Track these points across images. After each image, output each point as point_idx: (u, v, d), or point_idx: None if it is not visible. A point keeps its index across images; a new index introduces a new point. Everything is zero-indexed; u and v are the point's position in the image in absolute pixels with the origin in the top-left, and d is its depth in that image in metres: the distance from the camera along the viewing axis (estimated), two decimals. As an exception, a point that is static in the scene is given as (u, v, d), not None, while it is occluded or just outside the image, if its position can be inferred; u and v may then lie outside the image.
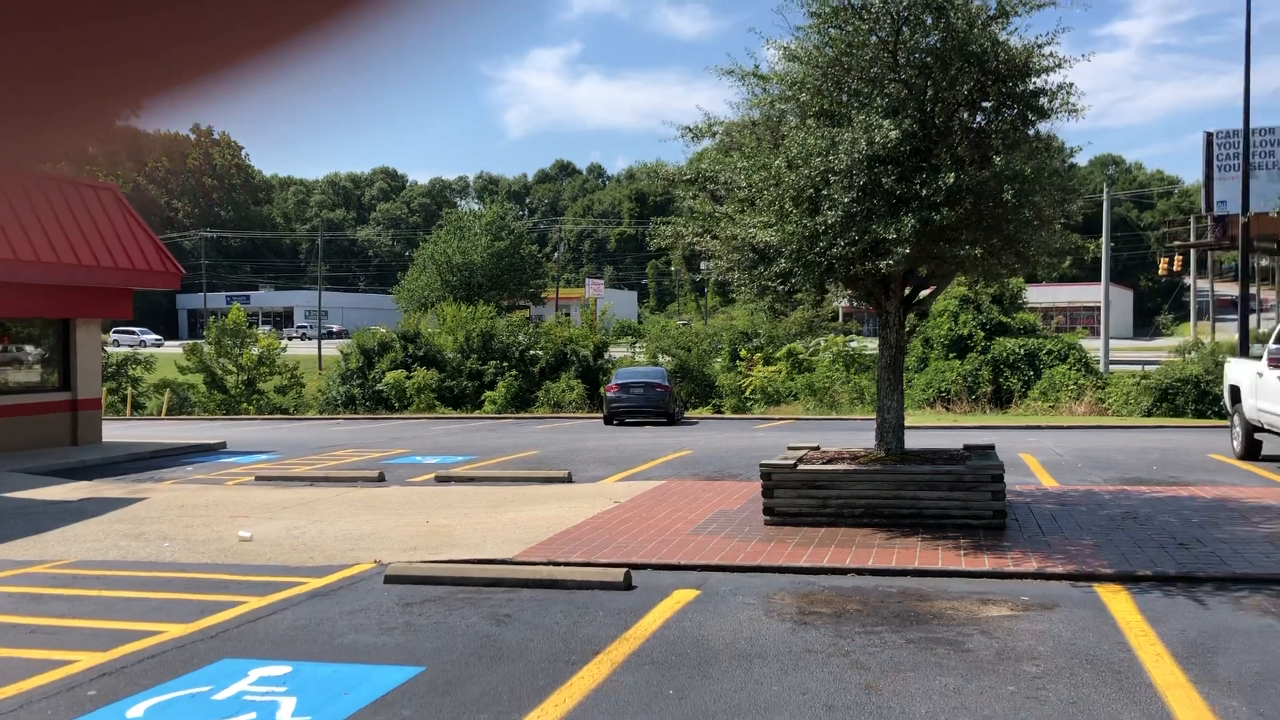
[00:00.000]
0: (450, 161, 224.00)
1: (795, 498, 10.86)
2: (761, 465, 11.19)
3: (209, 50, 1.03)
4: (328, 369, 47.75)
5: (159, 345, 69.92)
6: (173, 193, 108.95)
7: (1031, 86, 10.20)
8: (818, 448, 12.71)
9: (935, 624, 7.17)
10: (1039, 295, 56.23)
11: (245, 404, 39.94)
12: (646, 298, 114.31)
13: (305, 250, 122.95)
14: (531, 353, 39.79)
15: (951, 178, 9.38)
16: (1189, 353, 33.77)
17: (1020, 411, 31.61)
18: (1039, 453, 18.51)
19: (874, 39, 10.03)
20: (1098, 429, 25.19)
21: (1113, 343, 45.10)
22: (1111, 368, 38.69)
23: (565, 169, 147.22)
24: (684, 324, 51.81)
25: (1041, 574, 8.56)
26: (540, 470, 16.55)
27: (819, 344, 39.81)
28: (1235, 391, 17.08)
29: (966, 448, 12.22)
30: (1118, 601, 7.72)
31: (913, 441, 12.35)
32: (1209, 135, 39.37)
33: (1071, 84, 10.20)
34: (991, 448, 12.26)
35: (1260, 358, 16.28)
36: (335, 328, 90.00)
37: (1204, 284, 68.10)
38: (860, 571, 8.77)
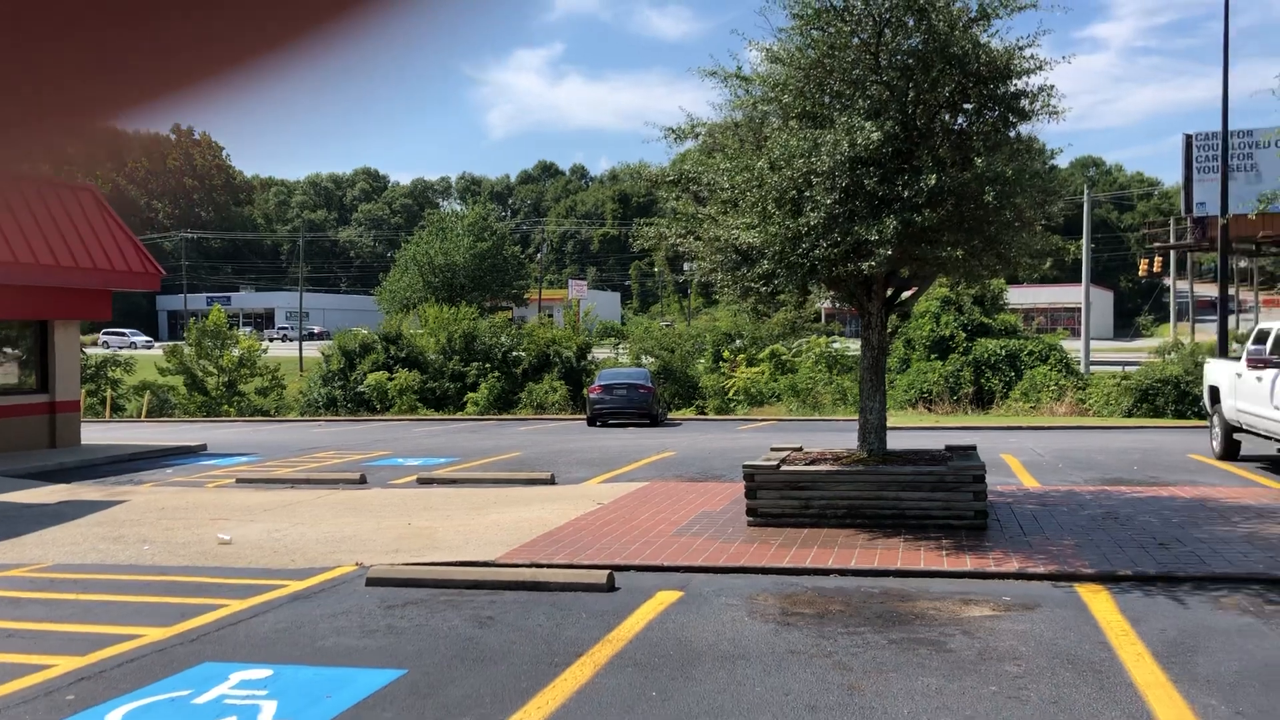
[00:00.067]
0: (432, 162, 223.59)
1: (778, 499, 10.87)
2: (744, 466, 11.20)
3: (195, 57, 1.02)
4: (309, 371, 47.55)
5: (149, 347, 69.54)
6: (153, 193, 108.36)
7: (1012, 88, 10.25)
8: (800, 449, 12.73)
9: (917, 624, 7.19)
10: (1020, 296, 56.50)
11: (226, 406, 39.74)
12: (630, 299, 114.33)
13: (286, 251, 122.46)
14: (514, 354, 39.72)
15: (933, 179, 9.42)
16: (1169, 354, 33.98)
17: (1002, 412, 31.75)
18: (1020, 453, 18.59)
19: (856, 41, 10.06)
20: (1078, 429, 25.32)
21: (1093, 344, 45.36)
22: (1092, 368, 38.91)
23: (548, 170, 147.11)
24: (667, 325, 51.84)
25: (1023, 574, 8.59)
26: (523, 472, 16.52)
27: (802, 345, 39.89)
28: (1215, 392, 17.20)
29: (948, 448, 12.26)
30: (1099, 601, 7.75)
31: (895, 442, 12.39)
32: (1188, 138, 39.65)
33: (1052, 86, 10.26)
34: (973, 448, 12.30)
35: (1239, 358, 16.40)
36: (316, 329, 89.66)
37: (1183, 285, 68.63)
38: (843, 572, 8.78)
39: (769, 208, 9.91)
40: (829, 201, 9.54)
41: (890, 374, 33.71)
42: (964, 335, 35.76)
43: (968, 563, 8.94)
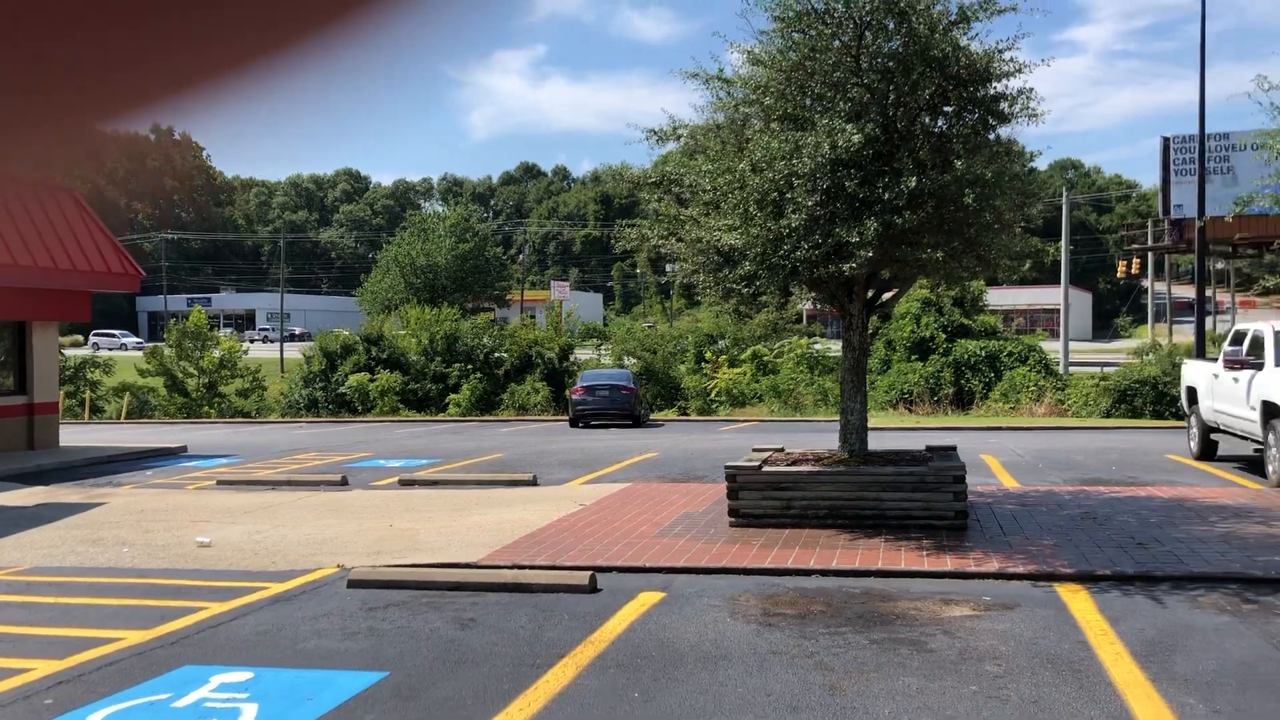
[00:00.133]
0: (414, 163, 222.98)
1: (760, 499, 10.90)
2: (727, 467, 11.22)
3: (184, 61, 1.03)
4: (290, 372, 47.38)
5: (139, 348, 69.19)
6: (133, 194, 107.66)
7: (992, 91, 10.31)
8: (782, 449, 12.76)
9: (898, 624, 7.23)
10: (999, 298, 56.80)
11: (206, 407, 39.53)
12: (612, 300, 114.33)
13: (267, 252, 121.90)
14: (496, 355, 39.66)
15: (913, 182, 9.46)
16: (1147, 354, 34.23)
17: (981, 413, 31.89)
18: (1000, 453, 18.69)
19: (837, 43, 10.10)
20: (1058, 430, 25.47)
21: (1072, 344, 45.62)
22: (1071, 369, 39.14)
23: (530, 171, 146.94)
24: (649, 326, 51.89)
25: (1003, 574, 8.64)
26: (505, 473, 16.51)
27: (783, 346, 39.98)
28: (1192, 393, 17.33)
29: (929, 449, 12.32)
30: (1078, 601, 7.81)
31: (876, 443, 12.44)
32: (1166, 140, 39.95)
33: (1031, 89, 10.33)
34: (953, 449, 12.36)
35: (1216, 359, 16.53)
36: (298, 330, 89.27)
37: (1161, 286, 69.08)
38: (824, 573, 8.82)
39: (751, 209, 9.94)
40: (810, 203, 9.58)
41: (871, 375, 33.82)
42: (944, 336, 35.92)
43: (948, 563, 8.99)
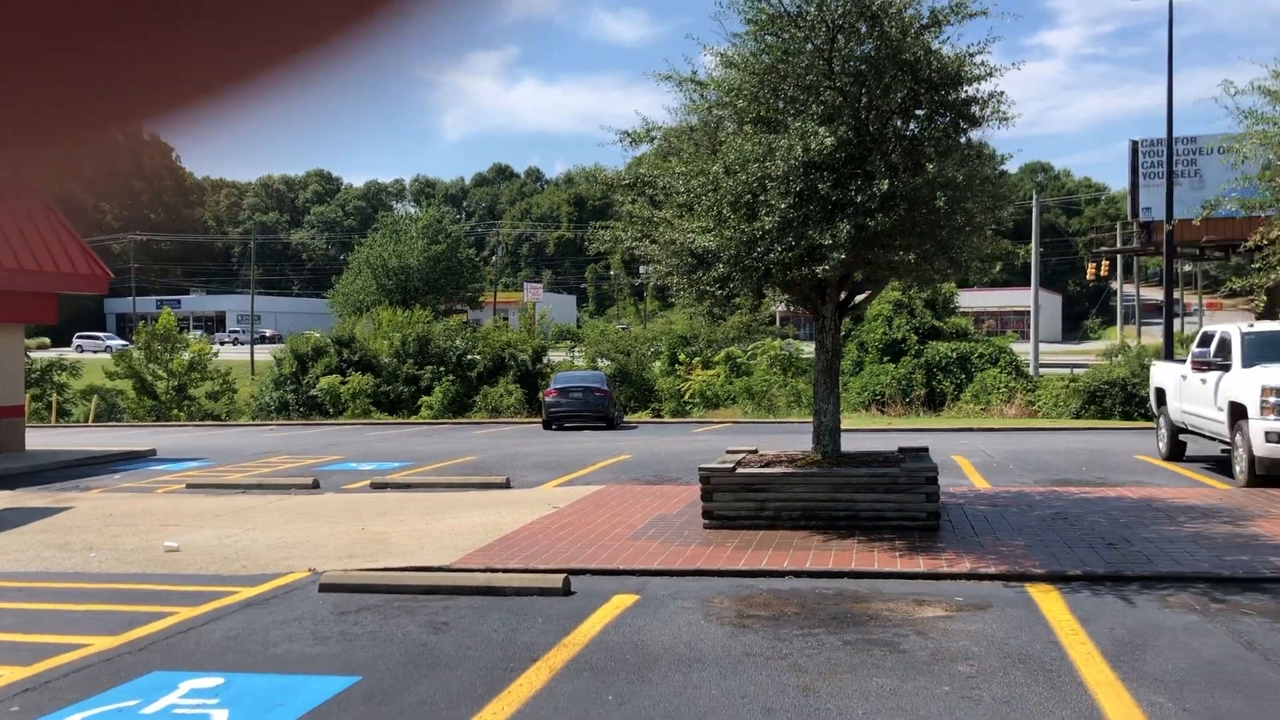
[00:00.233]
0: (386, 164, 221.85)
1: (734, 501, 10.91)
2: (700, 469, 11.23)
3: (172, 74, 1.02)
4: (261, 374, 47.03)
5: (123, 350, 68.58)
6: (100, 195, 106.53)
7: (963, 95, 10.37)
8: (756, 451, 12.78)
9: (872, 625, 7.25)
10: (970, 300, 57.17)
11: (176, 410, 39.19)
12: (585, 302, 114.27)
13: (238, 253, 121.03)
14: (469, 357, 39.53)
15: (886, 184, 9.50)
16: (1116, 356, 34.55)
17: (953, 414, 32.09)
18: (971, 454, 18.80)
19: (809, 46, 10.13)
20: (1028, 431, 25.65)
21: (1042, 346, 45.98)
22: (1041, 371, 39.44)
23: (503, 172, 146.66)
24: (623, 328, 51.92)
25: (975, 574, 8.69)
26: (478, 476, 16.45)
27: (757, 348, 40.08)
28: (1161, 394, 17.50)
29: (901, 450, 12.37)
30: (1049, 601, 7.86)
31: (849, 444, 12.48)
32: (1134, 144, 40.33)
33: (1002, 92, 10.39)
34: (925, 450, 12.43)
35: (1185, 361, 16.70)
36: (268, 332, 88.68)
37: (1130, 289, 69.81)
38: (798, 574, 8.83)
39: (724, 212, 9.95)
40: (783, 206, 9.60)
41: (844, 376, 33.96)
42: (916, 338, 36.12)
43: (921, 564, 9.03)
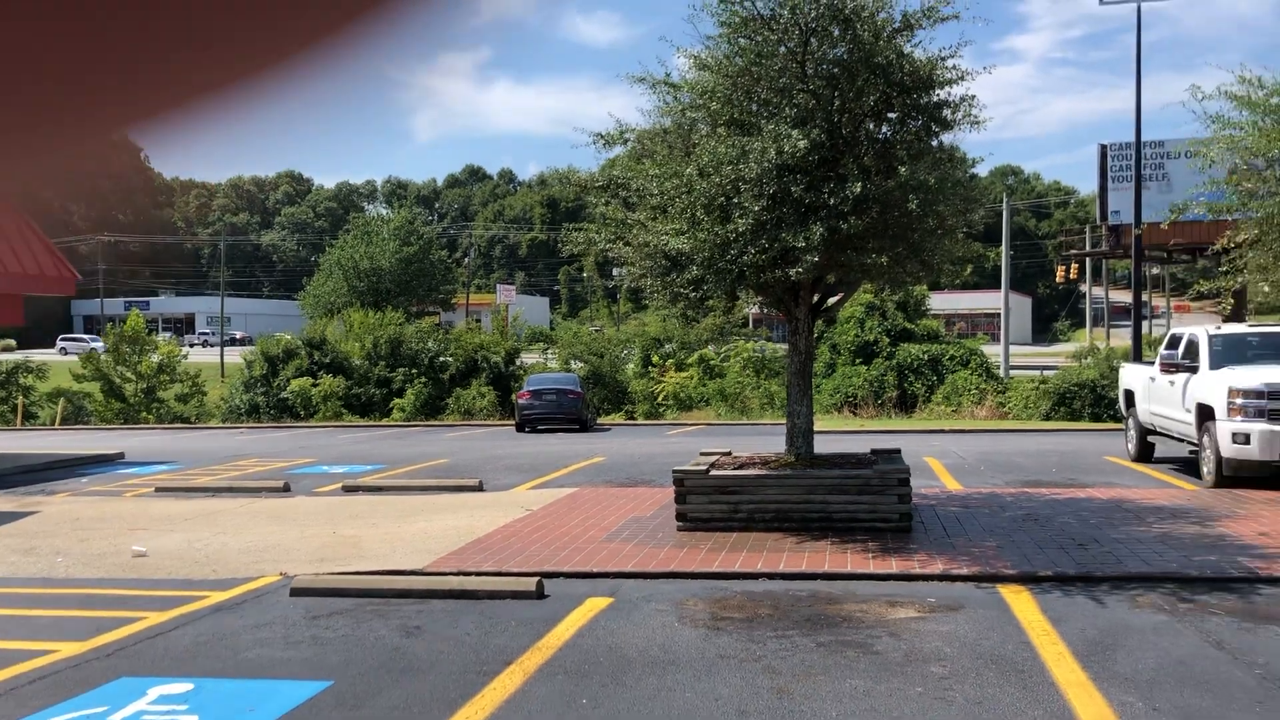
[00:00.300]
0: (357, 165, 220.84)
1: (707, 503, 10.91)
2: (674, 471, 11.23)
3: (154, 78, 1.01)
4: (231, 377, 46.67)
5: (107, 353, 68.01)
6: (68, 195, 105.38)
7: (935, 98, 10.42)
8: (729, 453, 12.80)
9: (845, 627, 7.27)
10: (941, 302, 57.53)
11: (145, 413, 38.81)
12: (558, 303, 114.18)
13: (207, 255, 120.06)
14: (441, 359, 39.39)
15: (858, 187, 9.54)
16: (1085, 358, 34.85)
17: (924, 415, 32.27)
18: (943, 456, 18.90)
19: (783, 49, 10.16)
20: (999, 432, 25.82)
21: (1012, 348, 46.33)
22: (1011, 373, 39.74)
23: (475, 174, 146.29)
24: (596, 330, 51.87)
25: (947, 576, 8.73)
26: (451, 479, 16.38)
27: (730, 350, 40.16)
28: (1129, 396, 17.65)
29: (874, 452, 12.42)
30: (1020, 602, 7.91)
31: (822, 446, 12.51)
32: (1103, 148, 40.69)
33: (973, 96, 10.45)
34: (898, 451, 12.48)
35: (1153, 363, 16.86)
36: (239, 334, 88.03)
37: (1099, 291, 70.47)
38: (771, 576, 8.84)
39: (698, 214, 9.96)
40: (757, 208, 9.62)
41: (816, 378, 34.07)
42: (887, 340, 36.31)
43: (893, 565, 9.06)
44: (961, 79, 10.30)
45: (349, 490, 15.48)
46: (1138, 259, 28.22)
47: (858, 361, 36.28)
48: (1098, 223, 44.86)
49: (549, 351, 46.92)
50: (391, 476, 17.20)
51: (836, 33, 10.14)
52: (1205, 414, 13.86)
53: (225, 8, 1.00)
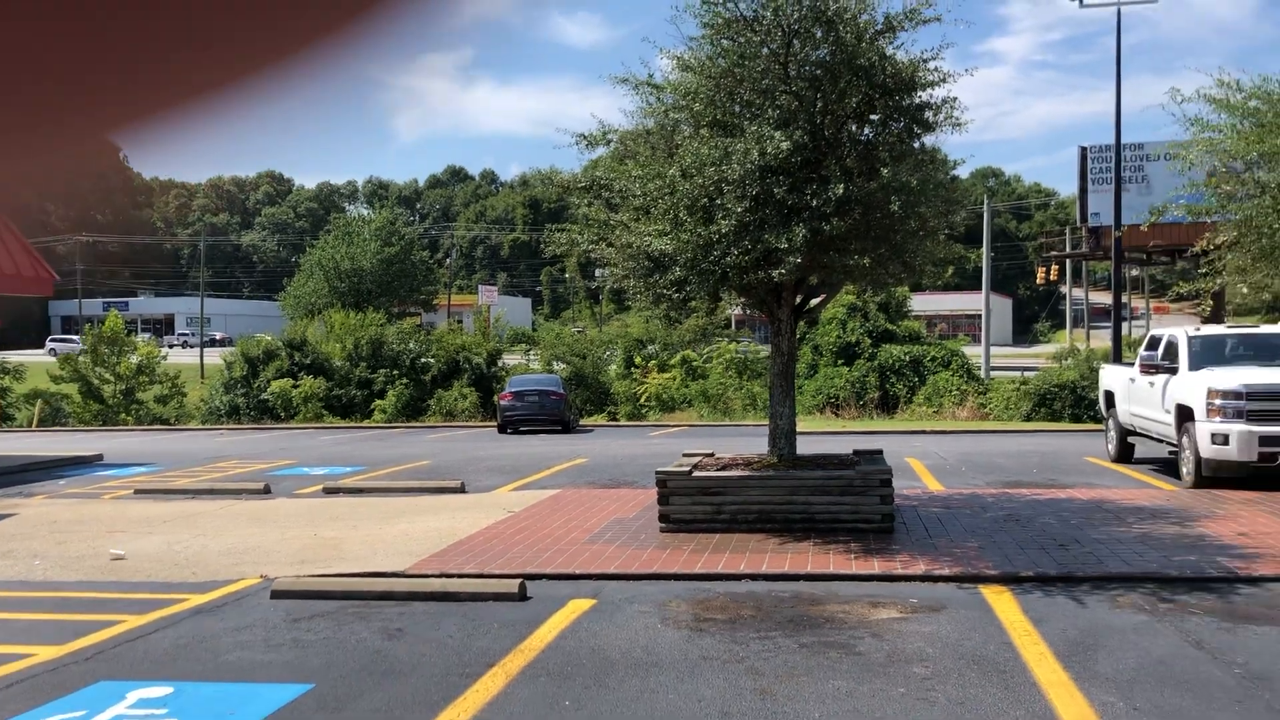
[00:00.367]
0: (338, 166, 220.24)
1: (690, 504, 10.91)
2: (657, 472, 11.22)
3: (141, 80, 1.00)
4: (210, 378, 46.44)
5: None
6: (45, 194, 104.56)
7: (917, 100, 10.45)
8: (712, 454, 12.80)
9: (827, 628, 7.27)
10: (923, 303, 57.73)
11: (124, 414, 38.55)
12: (541, 304, 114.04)
13: (187, 255, 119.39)
14: (423, 360, 39.27)
15: (841, 189, 9.55)
16: (1065, 359, 35.04)
17: (906, 416, 32.38)
18: (924, 457, 18.96)
19: (765, 51, 10.17)
20: (980, 433, 25.93)
21: (993, 349, 46.54)
22: (992, 374, 39.91)
23: (457, 174, 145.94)
24: (579, 331, 51.82)
25: (929, 576, 8.75)
26: (432, 480, 16.32)
27: (712, 351, 40.21)
28: (1110, 397, 17.75)
29: (856, 453, 12.45)
30: (1002, 602, 7.93)
31: (804, 447, 12.53)
32: (1083, 150, 40.90)
33: (955, 98, 10.49)
34: (879, 452, 12.51)
35: (1133, 364, 16.96)
36: (218, 335, 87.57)
37: (1079, 293, 70.89)
38: (754, 577, 8.84)
39: (681, 215, 9.96)
40: (740, 210, 9.62)
41: (799, 379, 34.15)
42: (869, 341, 36.42)
43: (875, 566, 9.08)
44: (943, 81, 10.33)
45: (330, 492, 15.40)
46: (1117, 261, 28.39)
47: (840, 363, 36.37)
48: (1078, 224, 45.10)
49: (531, 353, 46.88)
50: (373, 478, 17.13)
51: (819, 34, 10.15)
52: (1185, 415, 13.95)
53: (208, 11, 0.99)
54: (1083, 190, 40.78)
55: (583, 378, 38.72)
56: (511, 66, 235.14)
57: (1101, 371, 19.62)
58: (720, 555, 9.60)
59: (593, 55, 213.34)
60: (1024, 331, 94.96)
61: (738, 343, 42.61)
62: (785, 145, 9.50)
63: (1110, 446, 17.70)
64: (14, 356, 46.18)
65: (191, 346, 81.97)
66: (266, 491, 15.41)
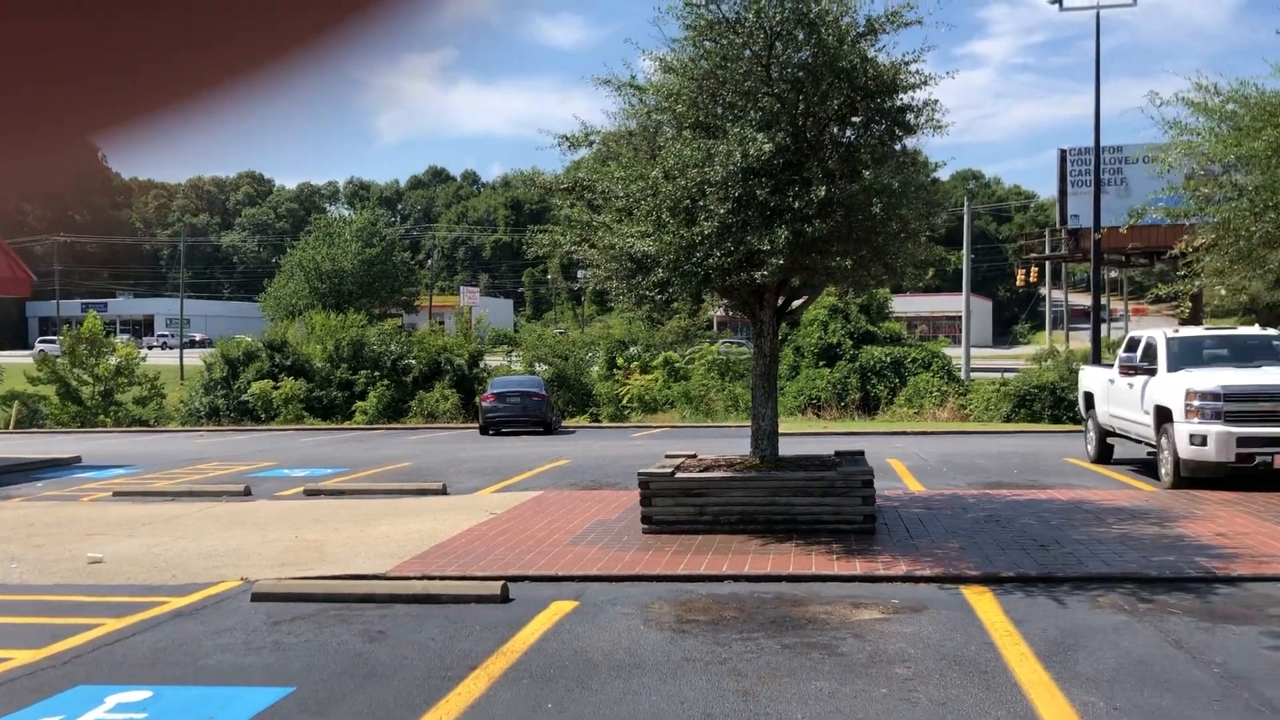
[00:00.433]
0: (319, 166, 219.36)
1: (673, 506, 10.91)
2: (640, 474, 11.22)
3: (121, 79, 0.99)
4: (190, 379, 46.16)
5: None
6: (23, 194, 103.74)
7: (898, 103, 10.48)
8: (695, 455, 12.81)
9: (810, 628, 7.28)
10: (904, 305, 57.96)
11: (102, 416, 38.28)
12: (522, 306, 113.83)
13: (166, 256, 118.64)
14: (404, 362, 39.15)
15: (823, 191, 9.58)
16: (1045, 361, 35.22)
17: (887, 417, 32.48)
18: (906, 458, 19.02)
19: (748, 53, 10.18)
20: (960, 434, 26.04)
21: (973, 351, 46.74)
22: (972, 375, 40.08)
23: (439, 175, 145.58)
24: (561, 332, 51.73)
25: (910, 577, 8.78)
26: (414, 482, 16.27)
27: (695, 352, 40.23)
28: (1089, 398, 17.86)
29: (838, 454, 12.47)
30: (983, 603, 7.96)
31: (786, 448, 12.55)
32: (1063, 152, 41.15)
33: (936, 101, 10.52)
34: (861, 453, 12.54)
35: (1112, 365, 17.06)
36: (198, 336, 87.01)
37: (1058, 294, 71.22)
38: (736, 578, 8.85)
39: (664, 217, 9.96)
40: (722, 211, 9.63)
41: (780, 381, 34.19)
42: (851, 343, 36.50)
43: (857, 566, 9.10)
44: (924, 84, 10.36)
45: (311, 494, 15.33)
46: (1096, 263, 28.58)
47: (821, 364, 36.44)
48: (1057, 227, 45.38)
49: (513, 354, 46.77)
50: (354, 480, 17.07)
51: (801, 37, 10.17)
52: (1163, 416, 14.05)
53: (190, 13, 0.98)
54: (1062, 192, 41.04)
55: (565, 379, 38.67)
56: (493, 67, 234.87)
57: (1081, 373, 19.74)
58: (703, 556, 9.60)
59: (575, 56, 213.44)
60: (1004, 333, 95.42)
61: (721, 344, 42.65)
62: (768, 147, 9.51)
63: (1090, 447, 17.81)
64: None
65: (171, 348, 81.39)
66: (247, 493, 15.33)
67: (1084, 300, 61.97)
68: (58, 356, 40.08)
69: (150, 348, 71.51)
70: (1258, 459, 13.03)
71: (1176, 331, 15.73)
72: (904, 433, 26.44)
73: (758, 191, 9.65)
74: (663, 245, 9.91)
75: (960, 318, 48.08)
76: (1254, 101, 15.64)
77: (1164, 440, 14.01)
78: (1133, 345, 16.14)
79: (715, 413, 34.66)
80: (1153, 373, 14.74)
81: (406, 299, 73.89)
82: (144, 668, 6.67)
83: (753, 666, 6.40)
